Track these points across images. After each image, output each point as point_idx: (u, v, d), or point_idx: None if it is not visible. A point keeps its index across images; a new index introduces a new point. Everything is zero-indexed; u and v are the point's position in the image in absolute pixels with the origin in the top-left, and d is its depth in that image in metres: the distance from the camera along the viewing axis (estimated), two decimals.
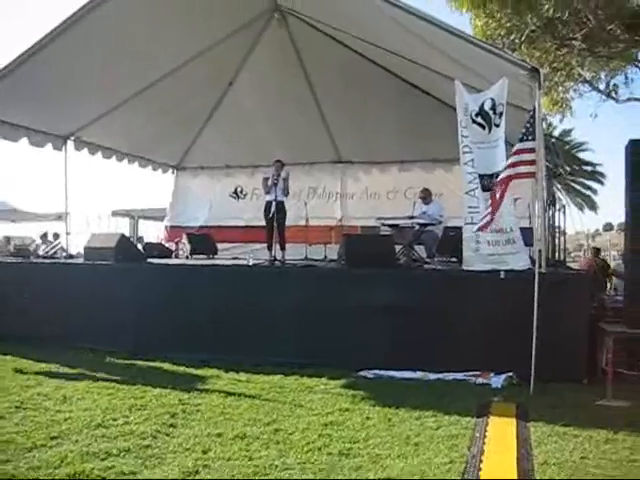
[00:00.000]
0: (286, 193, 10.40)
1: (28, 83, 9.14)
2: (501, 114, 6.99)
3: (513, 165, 6.51)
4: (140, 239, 17.91)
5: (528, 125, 6.55)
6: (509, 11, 13.76)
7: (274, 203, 10.05)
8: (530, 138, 6.49)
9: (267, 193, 10.27)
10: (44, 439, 4.49)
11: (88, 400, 5.67)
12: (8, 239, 11.39)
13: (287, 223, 10.69)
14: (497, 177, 6.84)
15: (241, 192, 14.81)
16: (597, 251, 13.63)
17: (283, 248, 10.41)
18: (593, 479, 3.91)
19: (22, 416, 5.10)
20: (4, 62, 8.77)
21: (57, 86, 9.61)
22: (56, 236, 16.06)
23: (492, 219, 6.68)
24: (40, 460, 4.05)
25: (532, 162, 6.48)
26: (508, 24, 14.10)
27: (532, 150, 6.48)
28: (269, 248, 10.29)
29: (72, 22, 8.54)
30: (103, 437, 4.59)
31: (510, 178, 6.51)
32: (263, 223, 10.50)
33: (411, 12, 7.10)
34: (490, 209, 6.67)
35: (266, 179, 10.31)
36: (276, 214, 10.09)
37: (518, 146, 6.52)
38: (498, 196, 6.54)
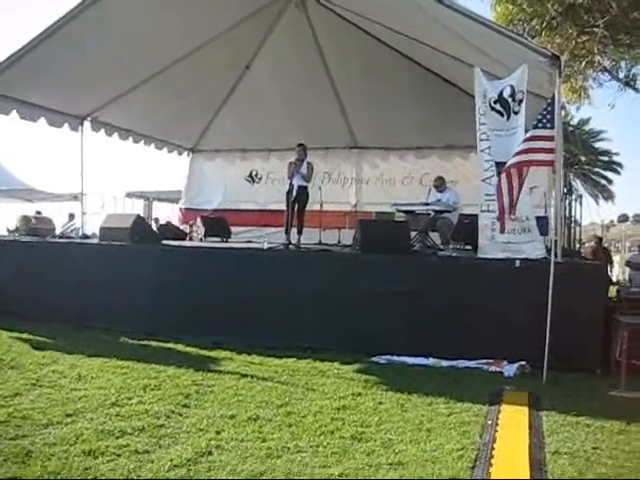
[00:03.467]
0: (307, 180, 10.36)
1: (46, 63, 9.17)
2: (520, 101, 6.94)
3: (528, 151, 6.43)
4: (156, 220, 17.97)
5: (545, 112, 6.48)
6: None
7: (295, 187, 10.05)
8: (548, 126, 6.42)
9: (290, 177, 10.19)
10: (59, 416, 4.54)
11: (103, 379, 5.72)
12: (28, 218, 11.46)
13: None
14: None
15: (256, 176, 14.80)
16: (600, 239, 13.73)
17: (300, 232, 10.39)
18: (602, 474, 3.89)
19: (38, 393, 5.15)
20: (23, 42, 8.80)
21: (75, 66, 9.61)
22: (71, 216, 16.13)
23: (513, 206, 6.62)
24: (56, 437, 4.10)
25: (550, 150, 6.41)
26: (529, 9, 13.93)
27: (551, 138, 6.41)
28: (287, 232, 10.25)
29: (90, 2, 8.54)
30: (117, 416, 4.63)
31: (526, 164, 6.45)
32: (277, 207, 10.53)
33: None
34: (509, 196, 6.59)
35: (291, 163, 10.27)
36: (298, 198, 10.09)
37: (533, 132, 6.45)
38: (516, 183, 6.48)
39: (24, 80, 9.43)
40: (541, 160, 6.45)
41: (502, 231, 6.95)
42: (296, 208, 10.20)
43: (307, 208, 10.67)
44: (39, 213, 16.24)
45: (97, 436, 4.14)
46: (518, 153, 6.47)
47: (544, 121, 6.43)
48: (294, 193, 10.03)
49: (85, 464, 3.67)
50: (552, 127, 6.42)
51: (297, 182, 10.08)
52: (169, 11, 9.31)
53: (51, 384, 5.48)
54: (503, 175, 6.58)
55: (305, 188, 10.31)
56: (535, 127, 6.46)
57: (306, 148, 10.34)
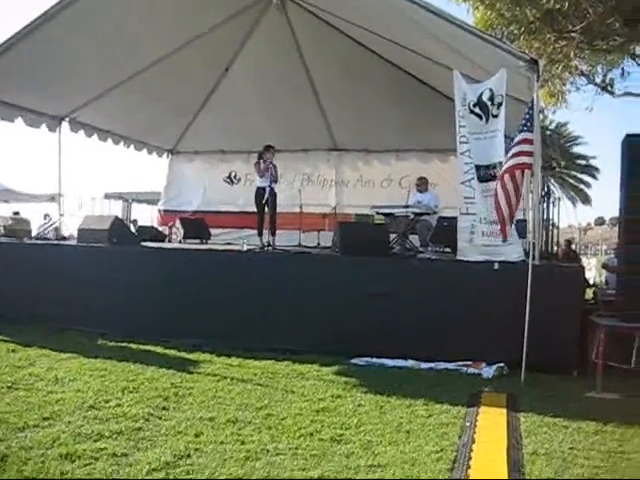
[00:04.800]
0: (276, 182, 10.39)
1: (24, 62, 9.09)
2: (499, 105, 6.98)
3: (518, 154, 6.49)
4: (134, 222, 17.84)
5: (527, 116, 6.55)
6: (509, 2, 13.72)
7: (267, 189, 10.04)
8: (531, 129, 6.49)
9: (261, 177, 10.19)
10: (36, 419, 4.48)
11: (80, 382, 5.66)
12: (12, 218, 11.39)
13: (281, 210, 10.66)
14: (494, 168, 6.87)
15: (235, 177, 14.76)
16: (569, 242, 14.13)
17: (274, 234, 10.36)
18: (579, 474, 3.93)
19: (14, 396, 5.09)
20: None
21: (52, 66, 9.55)
22: (46, 217, 15.93)
23: (515, 210, 6.63)
24: (32, 440, 4.04)
25: (529, 153, 6.48)
26: (507, 14, 14.04)
27: (530, 141, 6.48)
28: (260, 234, 10.27)
29: (68, 2, 8.47)
30: (95, 419, 4.58)
31: (518, 167, 6.49)
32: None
33: (411, 0, 7.07)
34: (507, 206, 6.59)
35: (258, 163, 10.24)
36: (270, 200, 10.09)
37: (520, 136, 6.51)
38: (511, 187, 6.48)
39: (1, 80, 9.32)
40: (521, 164, 6.51)
41: (504, 240, 6.94)
42: (266, 210, 10.22)
43: (287, 210, 10.66)
44: (16, 214, 16.06)
45: (74, 439, 4.09)
46: (510, 157, 6.52)
47: (528, 125, 6.50)
48: (266, 195, 10.04)
49: (62, 468, 3.63)
50: (531, 130, 6.50)
51: (268, 184, 10.07)
52: (148, 12, 9.29)
53: (27, 387, 5.41)
54: (498, 184, 6.59)
55: (273, 189, 10.27)
56: (521, 131, 6.52)
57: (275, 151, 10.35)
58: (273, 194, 10.21)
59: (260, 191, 10.15)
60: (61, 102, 11.12)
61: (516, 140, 6.55)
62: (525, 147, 6.47)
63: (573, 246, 17.03)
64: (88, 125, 12.27)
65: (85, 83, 10.60)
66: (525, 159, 6.48)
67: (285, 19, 10.81)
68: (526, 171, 6.67)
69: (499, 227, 6.82)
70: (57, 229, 12.12)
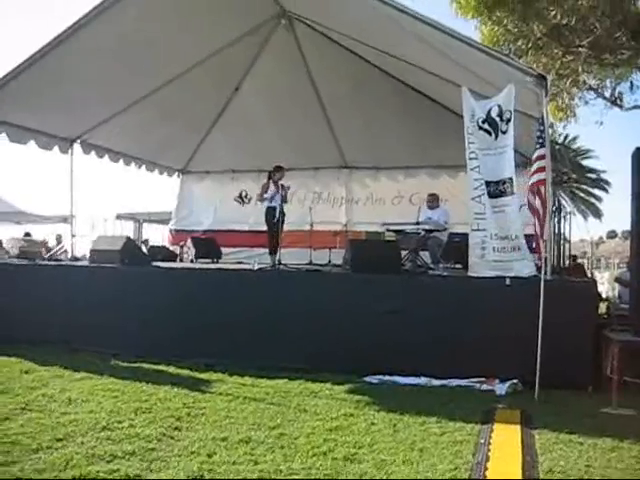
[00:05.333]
0: (285, 200, 10.46)
1: (36, 86, 9.21)
2: (508, 120, 7.00)
3: (538, 171, 6.50)
4: (145, 242, 17.92)
5: (539, 132, 6.57)
6: (516, 17, 13.77)
7: (278, 209, 10.11)
8: (540, 145, 6.51)
9: (268, 197, 10.23)
10: (49, 441, 4.49)
11: (93, 402, 5.67)
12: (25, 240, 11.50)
13: (292, 228, 10.76)
14: (504, 183, 6.88)
15: (246, 196, 14.81)
16: (574, 257, 14.17)
17: (276, 252, 10.41)
18: None
19: (27, 418, 5.10)
20: (13, 65, 8.85)
21: (64, 90, 9.67)
22: (59, 238, 16.03)
23: (544, 225, 6.60)
24: (46, 462, 4.05)
25: (542, 169, 6.48)
26: (514, 30, 14.09)
27: (542, 157, 6.49)
28: (271, 253, 10.27)
29: (80, 26, 8.59)
30: (108, 440, 4.58)
31: (540, 183, 6.49)
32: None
33: (418, 18, 7.12)
34: (538, 215, 6.56)
35: (266, 183, 10.29)
36: (280, 219, 10.17)
37: (538, 152, 6.53)
38: (538, 203, 6.47)
39: (14, 103, 9.46)
40: (541, 180, 6.50)
41: (539, 258, 6.90)
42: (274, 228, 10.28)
43: (298, 228, 10.71)
44: (28, 235, 16.17)
45: (87, 461, 4.09)
46: (534, 172, 6.53)
47: (540, 141, 6.51)
48: (277, 215, 10.11)
49: None
50: (542, 146, 6.51)
51: (279, 203, 10.16)
52: (158, 34, 9.38)
53: (41, 408, 5.43)
54: (530, 195, 6.56)
55: (283, 209, 10.35)
56: (540, 147, 6.53)
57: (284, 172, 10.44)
58: (282, 213, 10.28)
59: (271, 210, 10.18)
60: (73, 124, 11.24)
61: (536, 156, 6.54)
62: (542, 163, 6.48)
63: (579, 261, 17.08)
64: (99, 147, 12.37)
65: (96, 105, 10.72)
66: (542, 175, 6.48)
67: (293, 38, 10.91)
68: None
69: (533, 244, 6.80)
70: (66, 251, 12.18)
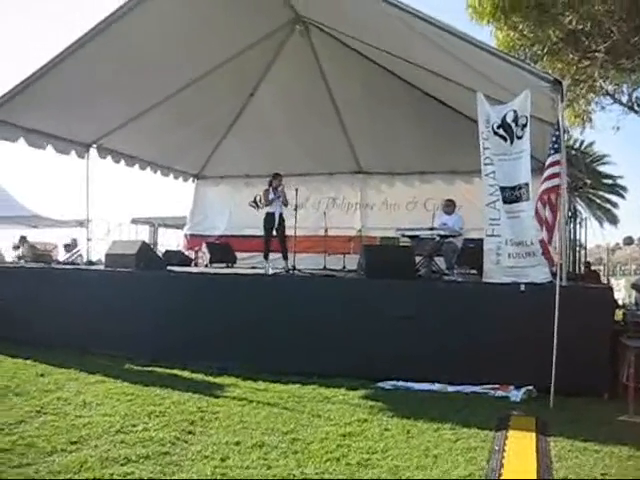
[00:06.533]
0: (286, 203, 10.62)
1: (53, 91, 9.32)
2: (524, 126, 6.96)
3: (551, 177, 6.45)
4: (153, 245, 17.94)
5: (554, 138, 6.53)
6: (531, 23, 13.71)
7: (277, 215, 10.35)
8: (555, 151, 6.47)
9: (269, 205, 10.49)
10: (64, 444, 4.52)
11: (107, 406, 5.70)
12: (31, 246, 11.53)
13: (306, 233, 10.81)
14: (520, 189, 6.85)
15: (260, 201, 14.81)
16: (588, 264, 14.13)
17: (286, 257, 10.63)
18: None
19: (42, 421, 5.14)
20: (31, 70, 8.94)
21: (81, 94, 9.76)
22: (73, 242, 16.09)
23: (552, 233, 6.56)
24: (60, 465, 4.08)
25: (557, 175, 6.44)
26: (530, 35, 14.03)
27: (556, 163, 6.45)
28: (266, 257, 10.55)
29: (96, 32, 8.68)
30: (122, 443, 4.60)
31: (549, 191, 6.45)
32: None
33: (433, 24, 7.12)
34: (546, 224, 6.53)
35: (267, 191, 10.45)
36: (279, 226, 10.50)
37: (551, 158, 6.50)
38: (548, 211, 6.43)
39: (31, 108, 9.56)
40: (555, 186, 6.46)
41: (552, 265, 6.87)
42: (276, 234, 10.60)
43: (313, 233, 10.77)
44: (24, 238, 16.09)
45: (102, 464, 4.12)
46: (544, 180, 6.49)
47: (556, 146, 6.48)
48: (275, 220, 10.37)
49: None
50: (557, 151, 6.47)
51: (279, 210, 10.41)
52: (174, 40, 9.45)
53: (56, 411, 5.46)
54: (539, 204, 6.53)
55: (282, 215, 10.62)
56: (551, 153, 6.49)
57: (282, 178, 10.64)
58: (282, 219, 10.50)
59: (269, 217, 10.36)
60: (89, 129, 11.34)
61: (548, 162, 6.51)
62: (556, 169, 6.44)
63: (594, 268, 17.03)
64: (115, 151, 12.47)
65: (113, 110, 10.81)
66: (557, 181, 6.44)
67: (309, 44, 10.96)
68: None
69: (541, 252, 6.76)
70: (81, 255, 12.24)
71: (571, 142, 22.52)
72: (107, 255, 9.56)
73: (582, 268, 13.16)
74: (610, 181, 34.51)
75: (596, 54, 13.97)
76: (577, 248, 11.29)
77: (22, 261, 11.36)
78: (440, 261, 9.97)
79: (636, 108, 16.39)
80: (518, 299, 6.91)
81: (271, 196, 10.33)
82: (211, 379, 7.07)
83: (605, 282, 14.52)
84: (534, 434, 5.18)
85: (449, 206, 10.72)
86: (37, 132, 10.49)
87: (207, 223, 15.27)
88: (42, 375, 6.91)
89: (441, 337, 7.09)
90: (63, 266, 11.03)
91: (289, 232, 10.68)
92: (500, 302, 7.02)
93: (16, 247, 15.38)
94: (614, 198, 35.40)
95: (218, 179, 15.31)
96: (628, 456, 4.62)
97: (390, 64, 10.37)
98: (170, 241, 21.48)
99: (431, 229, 9.77)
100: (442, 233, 9.73)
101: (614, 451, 4.70)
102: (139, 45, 9.25)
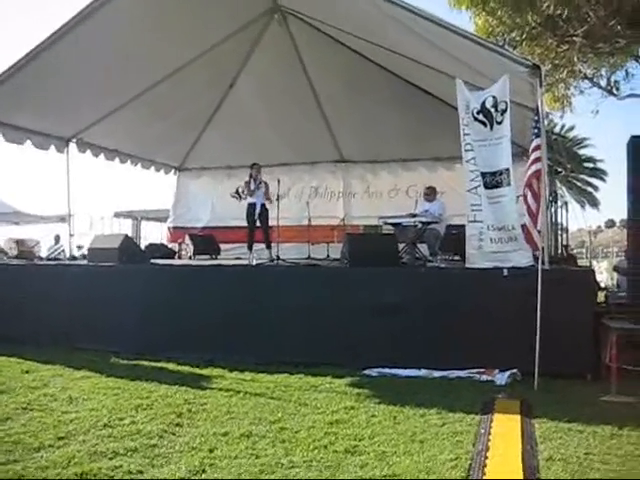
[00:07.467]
0: (269, 198, 10.77)
1: (30, 86, 9.20)
2: (503, 111, 6.99)
3: (534, 162, 6.49)
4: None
5: (534, 123, 6.57)
6: (509, 8, 13.76)
7: (258, 205, 10.48)
8: (536, 136, 6.50)
9: (250, 196, 10.62)
10: (51, 439, 4.50)
11: (94, 400, 5.68)
12: (16, 241, 11.41)
13: (290, 223, 10.84)
14: (501, 174, 6.88)
15: (242, 192, 14.78)
16: (566, 247, 14.36)
17: (269, 247, 10.75)
18: (598, 478, 3.90)
19: (29, 417, 5.12)
20: (7, 64, 8.84)
21: (59, 88, 9.65)
22: (57, 238, 15.98)
23: (536, 217, 6.58)
24: (48, 460, 4.07)
25: (538, 159, 6.47)
26: (509, 21, 14.08)
27: (538, 147, 6.48)
28: (250, 248, 10.62)
29: (73, 25, 8.59)
30: (110, 437, 4.60)
31: (532, 177, 6.48)
32: None
33: (411, 10, 7.11)
34: (531, 208, 6.55)
35: (248, 182, 10.48)
36: (261, 216, 10.68)
37: (534, 142, 6.53)
38: (530, 196, 6.45)
39: (9, 103, 9.45)
40: (537, 170, 6.49)
41: (535, 249, 6.84)
42: (259, 224, 10.81)
43: (296, 223, 10.80)
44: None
45: (90, 458, 4.11)
46: (530, 164, 6.51)
47: (536, 131, 6.51)
48: (258, 211, 10.51)
49: None
50: (537, 136, 6.51)
51: (259, 201, 10.59)
52: (151, 32, 9.37)
53: (42, 407, 5.43)
54: (527, 190, 6.55)
55: (264, 205, 10.73)
56: (535, 137, 6.52)
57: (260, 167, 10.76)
58: (265, 209, 10.63)
59: (250, 208, 10.41)
60: (68, 123, 11.24)
61: (532, 147, 6.54)
62: (537, 154, 6.47)
63: (576, 250, 17.16)
64: (95, 145, 12.36)
65: (90, 104, 10.69)
66: (539, 165, 6.47)
67: (287, 33, 10.89)
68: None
69: (524, 236, 6.79)
70: (64, 251, 12.18)
71: (551, 126, 22.63)
72: (89, 250, 9.52)
73: (564, 251, 13.29)
74: (591, 165, 34.82)
75: (574, 38, 14.06)
76: (559, 232, 11.37)
77: (4, 257, 11.26)
78: (423, 248, 10.02)
79: (615, 91, 16.53)
80: (501, 283, 6.96)
81: (252, 186, 10.34)
82: (197, 371, 7.07)
83: (585, 265, 14.64)
84: (519, 416, 5.24)
85: (430, 194, 10.76)
86: (15, 127, 10.38)
87: (190, 215, 15.18)
88: (27, 372, 6.88)
89: (425, 323, 7.13)
90: (46, 262, 10.96)
91: (272, 222, 10.68)
92: (483, 287, 7.07)
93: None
94: (595, 181, 35.75)
95: (200, 171, 15.21)
96: (611, 435, 4.69)
97: (370, 52, 10.34)
98: (153, 234, 21.45)
99: (413, 216, 9.80)
100: (424, 220, 9.77)
101: (597, 431, 4.77)
102: (115, 38, 9.14)
